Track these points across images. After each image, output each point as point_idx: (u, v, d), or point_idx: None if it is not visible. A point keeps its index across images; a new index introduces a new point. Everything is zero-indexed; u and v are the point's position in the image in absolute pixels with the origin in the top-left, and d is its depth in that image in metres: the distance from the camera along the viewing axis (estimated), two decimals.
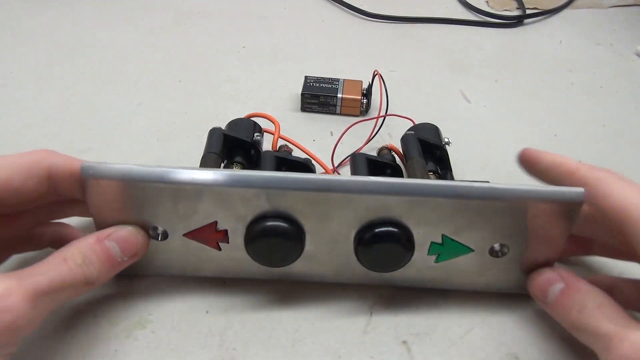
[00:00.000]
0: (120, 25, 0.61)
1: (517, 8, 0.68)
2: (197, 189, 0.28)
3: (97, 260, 0.27)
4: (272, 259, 0.30)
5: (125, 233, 0.29)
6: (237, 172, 0.29)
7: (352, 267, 0.31)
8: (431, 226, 0.29)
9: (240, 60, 0.56)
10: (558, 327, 0.32)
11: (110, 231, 0.29)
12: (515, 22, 0.65)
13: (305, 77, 0.50)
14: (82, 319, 0.31)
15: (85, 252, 0.27)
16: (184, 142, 0.45)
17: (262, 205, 0.29)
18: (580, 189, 0.28)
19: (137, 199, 0.29)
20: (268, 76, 0.54)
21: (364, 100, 0.48)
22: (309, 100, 0.48)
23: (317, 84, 0.49)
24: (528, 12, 0.66)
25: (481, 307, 0.33)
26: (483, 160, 0.44)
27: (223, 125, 0.41)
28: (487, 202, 0.28)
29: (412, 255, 0.30)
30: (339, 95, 0.48)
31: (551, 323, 0.32)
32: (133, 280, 0.33)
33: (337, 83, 0.49)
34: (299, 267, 0.31)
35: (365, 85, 0.49)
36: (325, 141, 0.46)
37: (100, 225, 0.30)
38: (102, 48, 0.57)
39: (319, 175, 0.29)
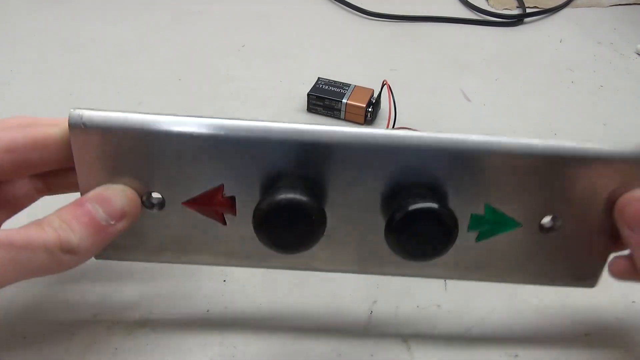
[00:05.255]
0: (121, 24, 0.61)
1: (518, 7, 0.68)
2: (205, 140, 0.25)
3: (78, 224, 0.24)
4: (287, 242, 0.24)
5: (110, 193, 0.25)
6: (252, 123, 0.25)
7: (379, 249, 0.27)
8: (473, 192, 0.26)
9: (240, 59, 0.56)
10: (558, 326, 0.32)
11: (93, 193, 0.25)
12: (516, 21, 0.65)
13: (318, 78, 0.50)
14: (82, 318, 0.31)
15: (63, 216, 0.24)
16: None
17: (278, 164, 0.25)
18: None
19: (131, 152, 0.25)
20: (268, 75, 0.54)
21: (369, 110, 0.47)
22: (314, 102, 0.48)
23: (327, 87, 0.49)
24: (528, 10, 0.66)
25: (481, 305, 0.33)
26: None
27: None
28: (544, 161, 0.25)
29: (456, 237, 0.24)
30: (344, 101, 0.47)
31: (551, 321, 0.32)
32: (133, 278, 0.33)
33: (346, 88, 0.48)
34: (317, 252, 0.27)
35: (375, 94, 0.48)
36: None
37: (85, 188, 0.26)
38: (102, 46, 0.57)
39: (347, 127, 0.25)
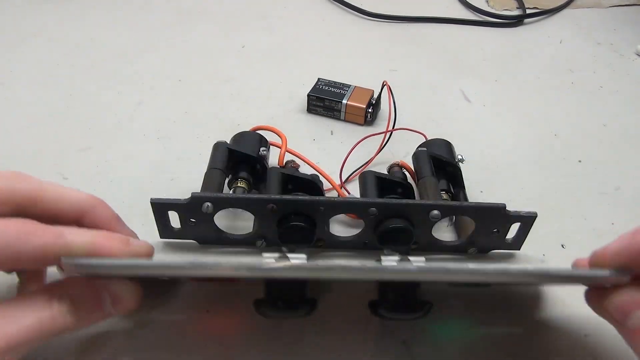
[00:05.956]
0: (121, 24, 0.61)
1: (518, 8, 0.68)
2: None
3: (85, 308, 0.25)
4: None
5: (121, 288, 0.27)
6: (219, 261, 0.26)
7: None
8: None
9: (240, 60, 0.56)
10: (558, 326, 0.32)
11: (107, 282, 0.27)
12: (516, 21, 0.65)
13: (318, 78, 0.50)
14: None
15: (76, 298, 0.25)
16: (184, 141, 0.45)
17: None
18: (605, 272, 0.25)
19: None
20: (268, 75, 0.54)
21: (369, 110, 0.47)
22: (314, 103, 0.48)
23: (327, 87, 0.49)
24: (528, 11, 0.66)
25: (480, 306, 0.33)
26: (483, 159, 0.44)
27: (225, 131, 0.41)
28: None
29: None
30: (344, 102, 0.47)
31: (551, 321, 0.32)
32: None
33: (346, 89, 0.48)
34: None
35: (375, 95, 0.48)
36: (325, 141, 0.46)
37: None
38: (103, 47, 0.57)
39: (316, 263, 0.29)
